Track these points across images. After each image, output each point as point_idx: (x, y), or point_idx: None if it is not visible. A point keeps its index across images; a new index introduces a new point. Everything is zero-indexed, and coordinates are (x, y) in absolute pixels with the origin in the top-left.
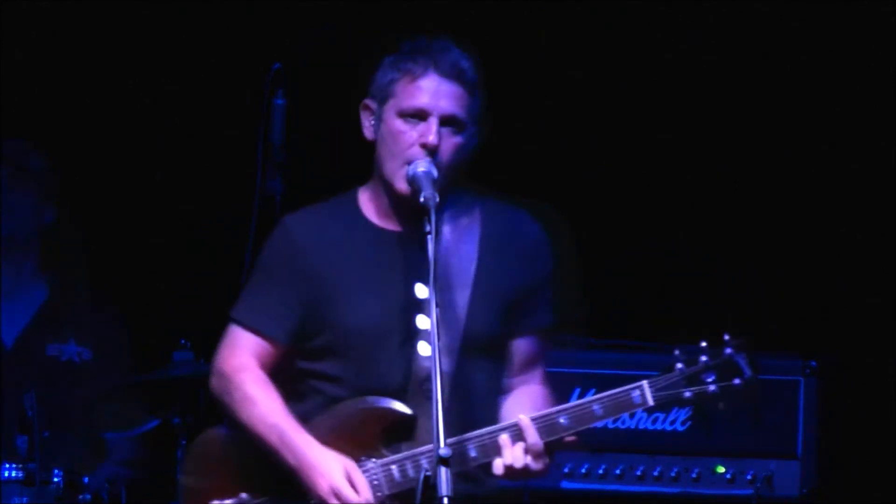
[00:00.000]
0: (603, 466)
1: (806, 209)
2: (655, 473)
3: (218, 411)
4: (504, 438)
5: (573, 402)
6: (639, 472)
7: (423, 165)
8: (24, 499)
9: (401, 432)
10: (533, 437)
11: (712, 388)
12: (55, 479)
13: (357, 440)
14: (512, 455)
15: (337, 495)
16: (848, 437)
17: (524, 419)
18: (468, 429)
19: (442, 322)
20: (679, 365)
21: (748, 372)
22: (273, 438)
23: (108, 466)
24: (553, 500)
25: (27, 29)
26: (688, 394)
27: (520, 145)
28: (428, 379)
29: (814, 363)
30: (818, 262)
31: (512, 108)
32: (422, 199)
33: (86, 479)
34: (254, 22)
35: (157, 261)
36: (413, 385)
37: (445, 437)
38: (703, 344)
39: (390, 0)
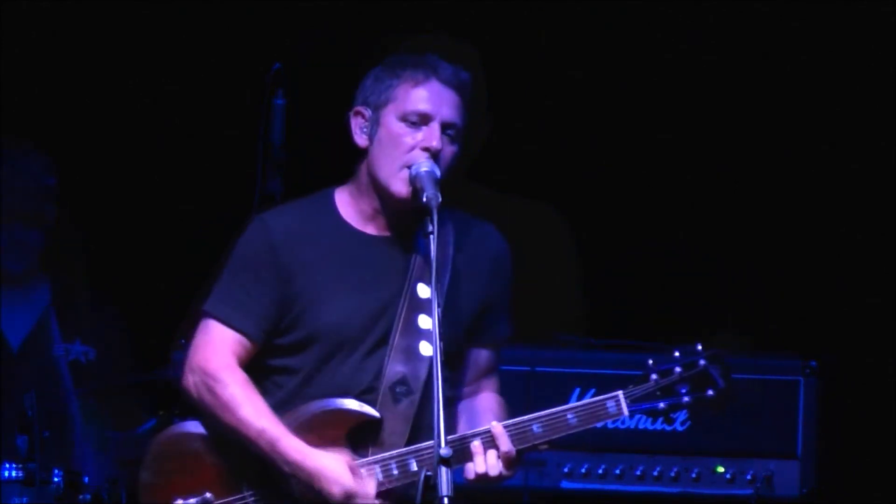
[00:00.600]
0: (603, 466)
1: (805, 209)
2: (655, 473)
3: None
4: (476, 445)
5: (547, 411)
6: (639, 472)
7: (426, 165)
8: (24, 499)
9: (366, 435)
10: (506, 444)
11: (686, 398)
12: (55, 479)
13: (322, 441)
14: (486, 463)
15: (352, 499)
16: (848, 437)
17: (497, 426)
18: (430, 434)
19: (415, 328)
20: (653, 376)
21: (721, 383)
22: (263, 445)
23: (108, 465)
24: (553, 499)
25: (27, 29)
26: (662, 405)
27: (520, 145)
28: (399, 382)
29: (814, 363)
30: (818, 262)
31: (512, 108)
32: (424, 199)
33: (86, 479)
34: (254, 22)
35: (157, 261)
36: (383, 388)
37: (415, 442)
38: (677, 354)
39: (390, 0)
